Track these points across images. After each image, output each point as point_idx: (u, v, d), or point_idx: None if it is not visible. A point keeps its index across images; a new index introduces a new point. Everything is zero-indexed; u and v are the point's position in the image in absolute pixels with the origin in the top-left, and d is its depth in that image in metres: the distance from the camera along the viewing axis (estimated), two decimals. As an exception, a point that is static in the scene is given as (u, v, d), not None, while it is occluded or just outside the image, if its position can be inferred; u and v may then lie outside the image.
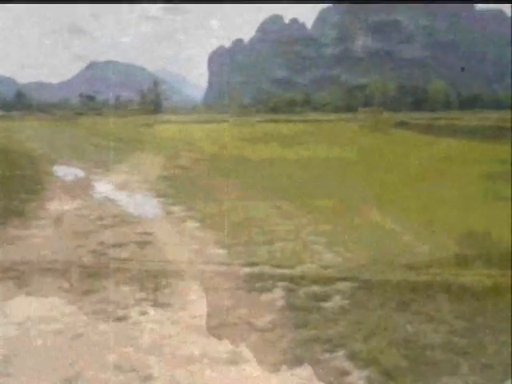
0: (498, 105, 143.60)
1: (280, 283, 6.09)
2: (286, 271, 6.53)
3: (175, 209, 11.16)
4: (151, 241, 8.26)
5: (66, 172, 18.61)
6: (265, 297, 5.71)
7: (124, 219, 10.05)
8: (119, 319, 5.21)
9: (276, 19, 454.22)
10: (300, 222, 9.45)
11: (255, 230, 8.79)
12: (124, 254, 7.48)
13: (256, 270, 6.65)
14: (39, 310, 5.50)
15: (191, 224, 9.55)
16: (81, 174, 18.43)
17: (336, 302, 5.53)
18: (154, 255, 7.45)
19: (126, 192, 14.06)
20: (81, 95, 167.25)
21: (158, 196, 13.00)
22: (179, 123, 70.20)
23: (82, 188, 14.62)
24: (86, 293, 5.92)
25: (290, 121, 75.11)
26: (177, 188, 14.06)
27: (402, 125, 41.53)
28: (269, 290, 5.92)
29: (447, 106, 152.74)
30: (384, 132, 36.03)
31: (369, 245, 7.72)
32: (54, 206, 11.65)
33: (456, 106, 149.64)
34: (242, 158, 20.31)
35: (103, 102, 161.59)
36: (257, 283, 6.13)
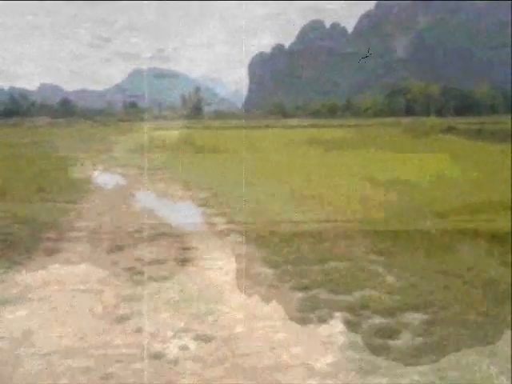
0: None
1: (338, 313, 5.32)
2: (344, 298, 5.76)
3: (216, 220, 10.50)
4: (192, 258, 7.60)
5: (107, 179, 18.26)
6: (322, 330, 4.95)
7: (163, 231, 9.45)
8: (156, 356, 4.54)
9: (316, 25, 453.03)
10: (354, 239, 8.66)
11: (304, 245, 8.03)
12: (162, 273, 6.84)
13: (310, 294, 5.90)
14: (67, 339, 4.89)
15: (234, 238, 8.87)
16: (122, 181, 18.05)
17: (406, 339, 4.72)
18: (194, 274, 6.79)
19: (167, 200, 13.53)
20: (124, 102, 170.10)
21: (200, 205, 12.39)
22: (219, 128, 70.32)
23: (122, 197, 14.16)
24: (117, 322, 5.28)
25: (331, 126, 74.23)
26: (217, 197, 13.43)
27: (450, 130, 40.00)
28: (325, 321, 5.15)
29: (494, 109, 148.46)
30: (431, 138, 34.73)
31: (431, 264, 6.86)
32: (92, 216, 11.18)
33: (501, 110, 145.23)
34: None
35: (146, 108, 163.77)
36: (311, 312, 5.37)
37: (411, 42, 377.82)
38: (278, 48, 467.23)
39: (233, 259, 7.51)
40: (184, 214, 11.71)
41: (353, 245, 7.93)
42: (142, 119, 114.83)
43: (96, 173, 20.57)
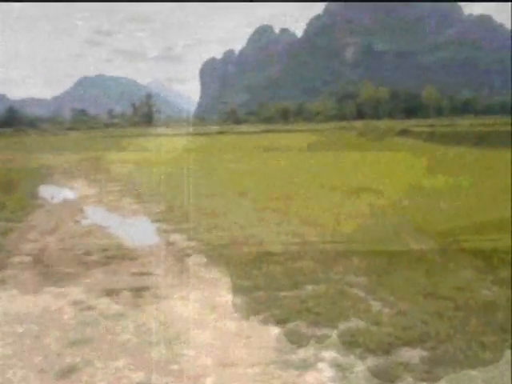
0: (487, 110, 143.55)
1: (324, 353, 4.58)
2: (328, 331, 5.02)
3: (175, 238, 9.63)
4: (149, 285, 6.72)
5: (55, 193, 17.06)
6: (309, 378, 4.19)
7: (115, 253, 8.52)
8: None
9: (266, 29, 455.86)
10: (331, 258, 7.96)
11: (275, 267, 7.26)
12: (116, 307, 5.96)
13: (288, 328, 5.14)
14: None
15: (196, 259, 8.03)
16: (71, 195, 16.90)
17: (408, 385, 4.02)
18: (153, 308, 5.93)
19: (118, 215, 12.55)
20: (73, 109, 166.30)
21: (155, 221, 11.48)
22: (171, 136, 69.04)
23: (70, 212, 13.08)
24: (62, 375, 4.39)
25: (283, 131, 74.11)
26: (173, 211, 12.55)
27: (403, 133, 40.17)
28: (311, 365, 4.40)
29: (439, 111, 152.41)
30: (387, 141, 34.72)
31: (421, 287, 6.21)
32: (37, 237, 10.13)
33: (447, 112, 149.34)
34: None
35: (95, 116, 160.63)
36: (293, 353, 4.61)
37: (359, 47, 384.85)
38: (229, 53, 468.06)
39: (196, 286, 6.68)
40: (138, 231, 10.78)
41: (328, 265, 7.22)
42: (91, 127, 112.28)
43: (43, 186, 19.30)
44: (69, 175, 22.68)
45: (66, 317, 5.69)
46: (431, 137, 34.57)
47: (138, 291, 6.48)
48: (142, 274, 7.29)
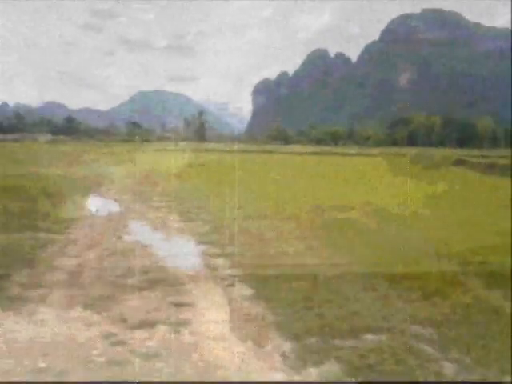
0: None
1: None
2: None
3: (220, 263, 8.99)
4: (188, 320, 6.06)
5: (100, 205, 16.77)
6: None
7: (155, 277, 7.92)
8: None
9: (321, 53, 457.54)
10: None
11: (330, 308, 6.49)
12: (149, 344, 5.32)
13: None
14: None
15: (241, 290, 7.35)
16: (116, 208, 16.57)
17: None
18: (191, 349, 5.26)
19: (162, 234, 12.03)
20: (127, 122, 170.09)
21: (199, 242, 10.87)
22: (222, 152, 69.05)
23: (114, 227, 12.65)
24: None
25: (333, 153, 73.02)
26: (219, 232, 11.94)
27: (460, 163, 38.60)
28: None
29: (495, 142, 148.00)
30: (443, 170, 33.38)
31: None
32: (76, 252, 9.67)
33: (503, 143, 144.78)
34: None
35: (149, 129, 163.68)
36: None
37: (415, 73, 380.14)
38: (283, 75, 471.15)
39: (239, 324, 5.98)
40: (181, 252, 10.17)
41: (389, 308, 6.39)
42: (144, 140, 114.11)
43: (90, 197, 19.11)
44: (117, 187, 22.47)
45: (94, 352, 5.07)
46: (489, 168, 32.99)
47: (176, 326, 5.82)
48: (181, 304, 6.63)
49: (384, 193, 19.27)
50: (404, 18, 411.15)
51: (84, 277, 7.90)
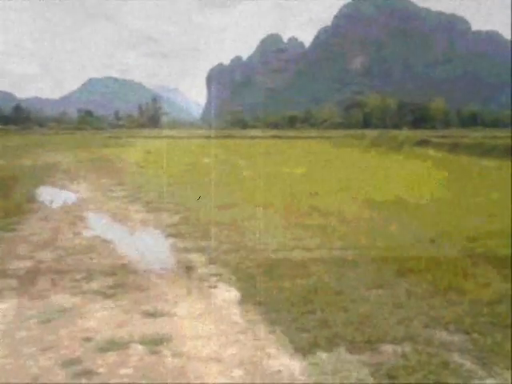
0: (493, 124, 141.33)
1: None
2: None
3: (195, 259, 7.91)
4: (167, 336, 4.99)
5: (54, 196, 15.38)
6: None
7: (120, 279, 6.79)
8: None
9: (274, 38, 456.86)
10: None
11: (336, 311, 5.52)
12: (123, 371, 4.23)
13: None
14: None
15: (226, 293, 6.31)
16: (72, 199, 15.21)
17: None
18: (176, 375, 4.20)
19: (124, 226, 10.83)
20: (79, 110, 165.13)
21: (168, 235, 9.75)
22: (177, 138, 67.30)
23: (69, 222, 11.37)
24: None
25: (290, 137, 72.28)
26: (188, 223, 10.84)
27: (423, 143, 38.28)
28: None
29: (447, 123, 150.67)
30: (408, 151, 32.93)
31: None
32: (28, 252, 8.42)
33: (455, 124, 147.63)
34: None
35: (102, 117, 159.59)
36: None
37: (368, 57, 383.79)
38: (236, 60, 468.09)
39: (230, 338, 4.95)
40: (149, 248, 9.03)
41: (404, 309, 5.45)
42: (97, 128, 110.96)
43: (43, 188, 17.63)
44: (71, 176, 20.97)
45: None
46: (454, 148, 32.71)
47: (154, 345, 4.74)
48: (156, 314, 5.54)
49: (357, 177, 18.43)
50: (356, 4, 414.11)
51: (37, 283, 6.70)
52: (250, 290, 6.27)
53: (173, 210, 12.49)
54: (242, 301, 5.97)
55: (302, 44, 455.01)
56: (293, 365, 4.36)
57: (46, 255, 8.21)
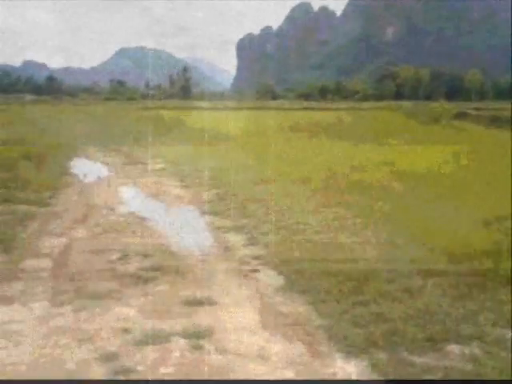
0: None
1: None
2: None
3: (234, 240, 7.56)
4: (210, 329, 4.65)
5: (86, 169, 15.21)
6: None
7: (160, 264, 6.48)
8: None
9: (304, 7, 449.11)
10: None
11: (391, 303, 5.10)
12: (166, 371, 3.91)
13: None
14: None
15: (268, 279, 5.94)
16: (104, 172, 15.03)
17: None
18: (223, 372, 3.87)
19: (160, 202, 10.54)
20: (111, 80, 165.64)
21: (205, 212, 9.42)
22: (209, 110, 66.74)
23: (104, 197, 11.13)
24: None
25: (322, 109, 71.07)
26: (225, 199, 10.48)
27: (461, 116, 37.00)
28: None
29: (482, 95, 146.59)
30: (444, 125, 31.85)
31: None
32: (61, 229, 8.19)
33: (491, 96, 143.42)
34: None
35: (133, 87, 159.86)
36: None
37: (401, 27, 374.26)
38: (267, 30, 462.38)
39: (277, 331, 4.59)
40: (185, 226, 8.70)
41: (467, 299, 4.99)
42: (128, 98, 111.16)
43: (76, 160, 17.51)
44: (105, 149, 20.79)
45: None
46: (493, 121, 31.49)
47: (196, 338, 4.40)
48: (197, 302, 5.20)
49: (396, 152, 17.75)
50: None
51: (70, 265, 6.43)
52: (295, 276, 5.88)
53: (208, 184, 12.14)
54: (287, 288, 5.60)
55: (333, 13, 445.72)
56: (349, 367, 3.97)
57: (79, 233, 7.96)
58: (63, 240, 7.51)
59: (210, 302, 5.19)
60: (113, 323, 4.69)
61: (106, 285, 5.67)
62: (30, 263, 6.44)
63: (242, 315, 4.92)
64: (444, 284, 5.53)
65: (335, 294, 5.29)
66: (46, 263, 6.45)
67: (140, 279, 5.85)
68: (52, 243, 7.33)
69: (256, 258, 6.66)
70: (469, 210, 8.59)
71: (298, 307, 5.10)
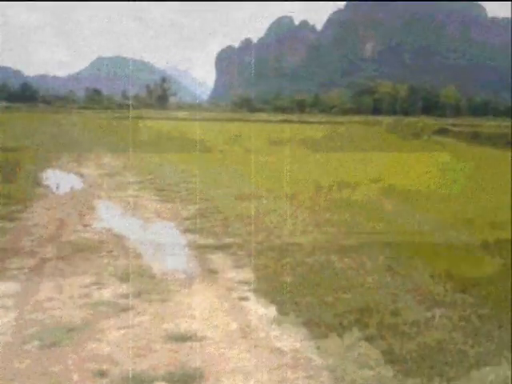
0: (505, 113, 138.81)
1: None
2: None
3: (219, 261, 6.98)
4: (202, 371, 4.06)
5: (60, 180, 14.48)
6: None
7: (139, 289, 5.87)
8: None
9: (285, 21, 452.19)
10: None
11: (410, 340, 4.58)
12: None
13: None
14: None
15: (261, 309, 5.37)
16: (78, 183, 14.32)
17: None
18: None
19: (139, 219, 9.90)
20: (87, 89, 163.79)
21: (186, 230, 8.82)
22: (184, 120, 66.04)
23: (77, 211, 10.45)
24: None
25: (301, 122, 70.83)
26: (207, 215, 9.91)
27: (442, 132, 37.01)
28: None
29: (457, 111, 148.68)
30: (426, 140, 31.77)
31: None
32: (30, 246, 7.51)
33: (465, 112, 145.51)
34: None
35: (110, 96, 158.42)
36: None
37: (380, 42, 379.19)
38: (246, 42, 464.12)
39: (276, 372, 4.03)
40: (166, 246, 8.07)
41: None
42: (104, 107, 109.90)
43: (48, 171, 16.74)
44: (79, 158, 20.04)
45: None
46: (474, 138, 31.50)
47: (184, 383, 3.81)
48: (183, 337, 4.60)
49: (380, 167, 17.40)
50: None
51: (38, 291, 5.78)
52: (289, 305, 5.33)
53: (188, 199, 11.55)
54: (282, 319, 5.03)
55: (313, 28, 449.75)
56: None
57: (50, 251, 7.29)
58: (31, 260, 6.84)
59: (197, 337, 4.60)
60: (87, 363, 4.07)
61: (79, 314, 5.04)
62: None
63: (234, 353, 4.34)
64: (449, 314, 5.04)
65: (336, 326, 4.76)
66: (12, 288, 5.79)
67: (117, 308, 5.22)
68: (19, 264, 6.65)
69: (244, 282, 6.10)
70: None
71: (295, 343, 4.54)
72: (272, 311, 5.25)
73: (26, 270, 6.42)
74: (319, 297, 5.52)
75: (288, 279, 6.16)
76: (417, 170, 16.12)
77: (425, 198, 11.34)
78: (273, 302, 5.47)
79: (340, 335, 4.62)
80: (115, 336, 4.59)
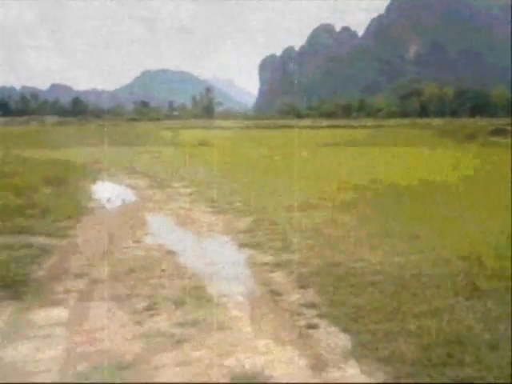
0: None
1: None
2: None
3: (281, 282, 6.39)
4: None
5: (111, 193, 14.20)
6: None
7: (195, 314, 5.34)
8: None
9: (327, 28, 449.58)
10: None
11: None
12: None
13: None
14: None
15: (332, 339, 4.74)
16: (131, 196, 14.04)
17: None
18: None
19: (192, 233, 9.43)
20: (135, 102, 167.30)
21: (244, 245, 8.25)
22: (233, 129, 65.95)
23: (129, 226, 10.07)
24: None
25: (348, 126, 69.71)
26: (264, 227, 9.35)
27: (497, 133, 35.43)
28: None
29: (508, 111, 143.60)
30: (482, 142, 30.39)
31: None
32: (79, 269, 7.12)
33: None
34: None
35: (157, 108, 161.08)
36: None
37: (423, 45, 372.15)
38: (289, 50, 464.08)
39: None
40: (221, 263, 7.52)
41: None
42: (152, 119, 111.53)
43: (99, 183, 16.60)
44: (129, 171, 19.89)
45: None
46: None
47: None
48: (248, 377, 4.02)
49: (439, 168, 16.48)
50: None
51: (90, 316, 5.33)
52: (365, 335, 4.67)
53: (242, 210, 11.03)
54: (360, 353, 4.38)
55: (354, 33, 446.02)
56: None
57: (101, 273, 6.86)
58: (81, 283, 6.42)
59: (264, 376, 4.01)
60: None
61: (131, 348, 4.53)
62: (42, 315, 5.35)
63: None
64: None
65: (425, 364, 4.08)
66: (60, 315, 5.35)
67: (172, 339, 4.70)
68: (69, 286, 6.25)
69: (310, 306, 5.49)
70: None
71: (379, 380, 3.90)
72: (346, 342, 4.60)
73: (75, 294, 6.00)
74: (399, 324, 4.84)
75: (359, 302, 5.49)
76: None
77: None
78: (345, 330, 4.83)
79: (429, 375, 3.94)
80: (171, 374, 4.05)
